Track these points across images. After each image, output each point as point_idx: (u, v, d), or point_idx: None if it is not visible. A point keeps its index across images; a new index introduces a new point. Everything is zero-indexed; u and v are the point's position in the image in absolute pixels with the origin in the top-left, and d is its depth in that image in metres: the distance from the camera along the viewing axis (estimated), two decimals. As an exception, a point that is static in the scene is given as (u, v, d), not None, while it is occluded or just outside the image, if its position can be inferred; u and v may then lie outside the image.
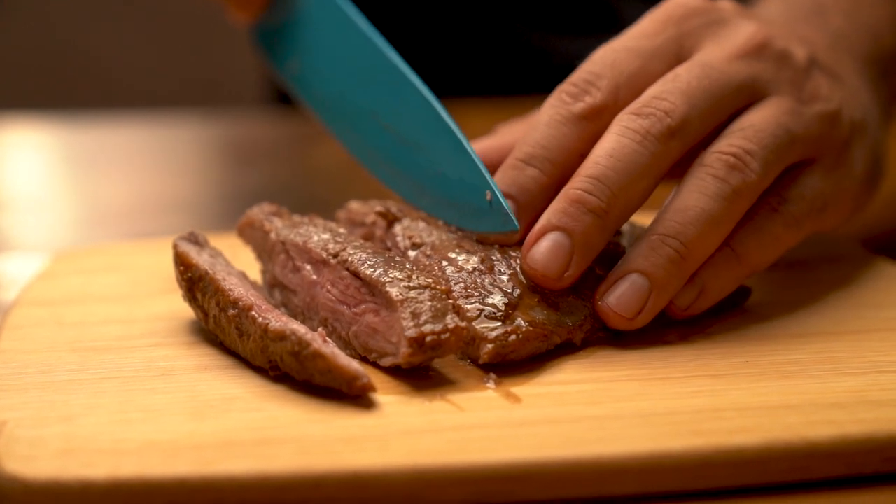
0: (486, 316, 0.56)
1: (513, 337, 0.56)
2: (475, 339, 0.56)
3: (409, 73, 0.67)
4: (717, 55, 0.63)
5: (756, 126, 0.61)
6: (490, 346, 0.55)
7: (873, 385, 0.53)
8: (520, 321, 0.56)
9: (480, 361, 0.55)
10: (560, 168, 0.61)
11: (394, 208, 0.65)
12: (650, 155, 0.59)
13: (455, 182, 0.63)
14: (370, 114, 0.70)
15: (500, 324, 0.56)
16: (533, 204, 0.61)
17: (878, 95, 0.71)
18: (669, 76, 0.62)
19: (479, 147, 0.66)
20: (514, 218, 0.60)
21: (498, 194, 0.60)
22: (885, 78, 0.74)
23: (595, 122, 0.61)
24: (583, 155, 0.61)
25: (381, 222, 0.64)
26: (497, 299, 0.57)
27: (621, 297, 0.58)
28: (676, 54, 0.63)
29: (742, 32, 0.64)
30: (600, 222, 0.58)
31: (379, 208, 0.65)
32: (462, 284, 0.58)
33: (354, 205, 0.67)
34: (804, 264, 0.69)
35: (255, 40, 0.82)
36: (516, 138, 0.65)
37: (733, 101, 0.62)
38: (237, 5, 0.80)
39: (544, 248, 0.58)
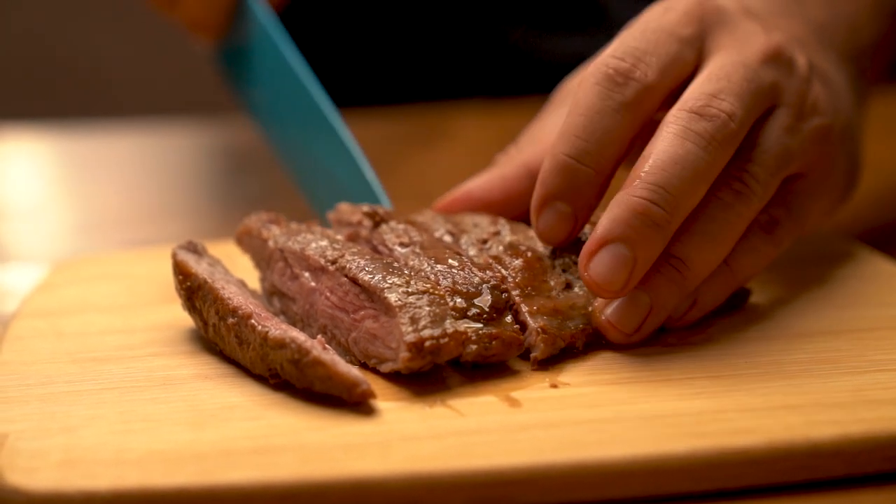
0: (469, 316, 0.56)
1: (495, 342, 0.55)
2: None
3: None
4: (748, 56, 0.61)
5: (761, 147, 0.60)
6: (474, 346, 0.55)
7: (874, 384, 0.53)
8: (508, 326, 0.56)
9: (462, 359, 0.55)
10: (613, 162, 0.59)
11: (381, 210, 0.65)
12: (712, 161, 0.57)
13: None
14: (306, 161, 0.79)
15: (482, 325, 0.56)
16: (589, 204, 0.59)
17: (856, 93, 0.71)
18: (718, 72, 0.59)
19: (481, 183, 0.65)
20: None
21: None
22: (861, 74, 0.73)
23: (645, 105, 0.59)
24: (632, 140, 0.59)
25: (368, 222, 0.64)
26: (484, 300, 0.57)
27: (621, 312, 0.57)
28: (700, 49, 0.62)
29: (758, 37, 0.62)
30: (662, 234, 0.56)
31: (366, 209, 0.65)
32: (450, 280, 0.58)
33: (343, 206, 0.67)
34: (803, 263, 0.69)
35: (216, 61, 0.87)
36: (517, 171, 0.65)
37: (763, 105, 0.61)
38: (193, 27, 0.84)
39: (606, 260, 0.56)
